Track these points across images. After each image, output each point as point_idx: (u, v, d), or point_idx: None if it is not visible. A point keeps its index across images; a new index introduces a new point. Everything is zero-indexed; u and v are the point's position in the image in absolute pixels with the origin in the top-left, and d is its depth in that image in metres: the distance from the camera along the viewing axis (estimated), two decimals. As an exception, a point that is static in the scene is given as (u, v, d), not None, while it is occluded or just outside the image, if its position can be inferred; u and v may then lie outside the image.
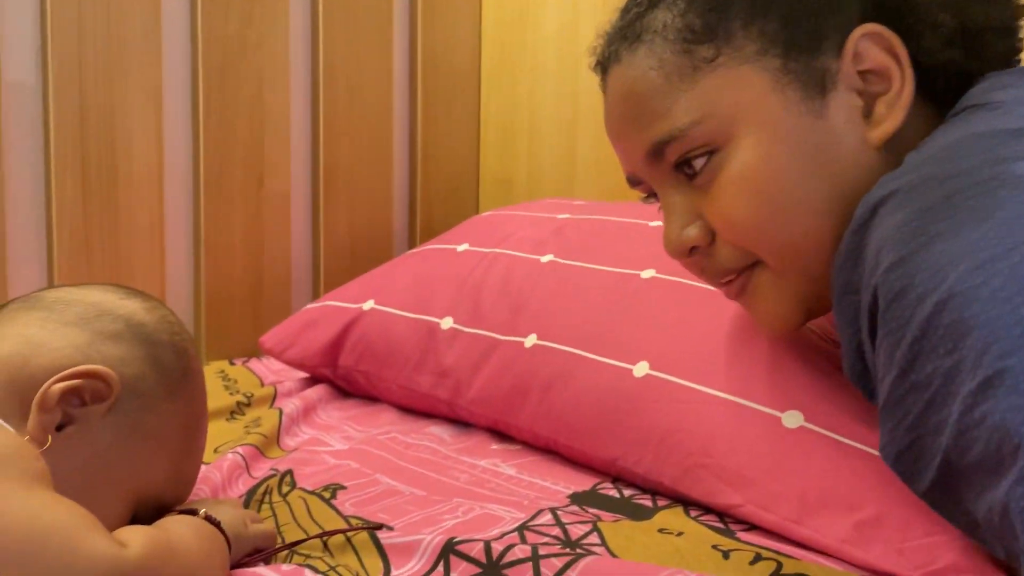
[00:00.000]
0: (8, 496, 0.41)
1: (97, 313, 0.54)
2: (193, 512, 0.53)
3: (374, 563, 0.55)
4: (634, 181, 0.62)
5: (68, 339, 0.52)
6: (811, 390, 0.61)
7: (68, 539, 0.41)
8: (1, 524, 0.40)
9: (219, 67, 1.12)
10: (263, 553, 0.56)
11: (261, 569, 0.53)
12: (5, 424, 0.47)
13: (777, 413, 0.61)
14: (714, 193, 0.55)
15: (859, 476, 0.56)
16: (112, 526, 0.52)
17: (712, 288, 0.60)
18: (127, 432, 0.52)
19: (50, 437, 0.49)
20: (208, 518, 0.52)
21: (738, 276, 0.57)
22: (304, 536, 0.59)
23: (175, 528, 0.50)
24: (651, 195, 0.62)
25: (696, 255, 0.58)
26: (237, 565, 0.54)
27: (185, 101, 1.12)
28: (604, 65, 0.62)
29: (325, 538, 0.58)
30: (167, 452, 0.56)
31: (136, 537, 0.44)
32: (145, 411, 0.53)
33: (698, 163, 0.55)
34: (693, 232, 0.57)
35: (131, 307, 0.56)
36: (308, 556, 0.56)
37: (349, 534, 0.58)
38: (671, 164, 0.56)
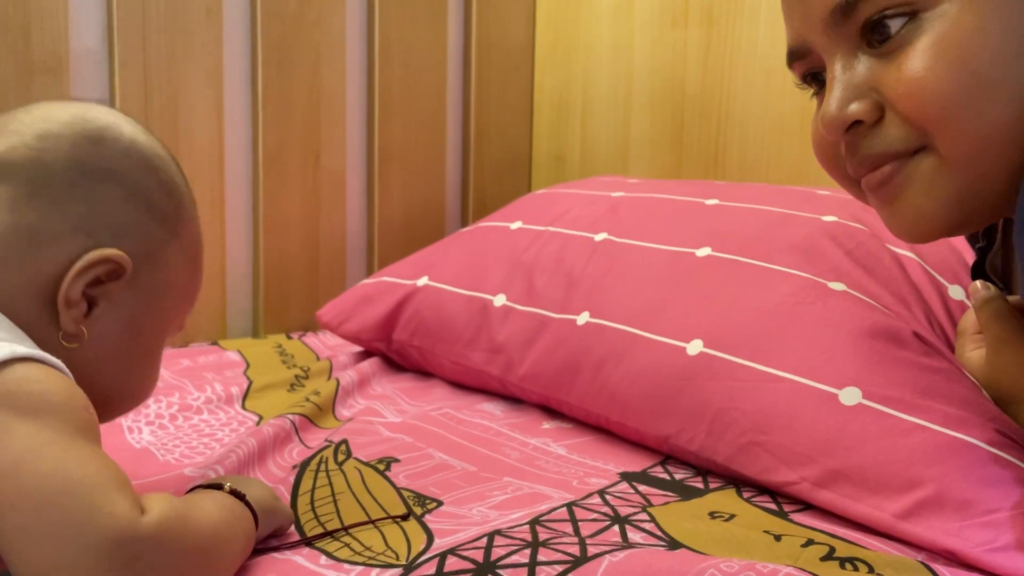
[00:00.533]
0: (48, 444, 0.42)
1: (81, 172, 0.51)
2: (219, 487, 0.52)
3: (417, 536, 0.56)
4: (797, 54, 0.56)
5: (67, 220, 0.50)
6: (869, 367, 0.60)
7: (92, 497, 0.41)
8: (32, 470, 0.41)
9: (277, 45, 1.14)
10: (309, 537, 0.56)
11: (278, 555, 0.54)
12: (58, 363, 0.46)
13: (834, 390, 0.61)
14: (905, 59, 0.49)
15: (918, 454, 0.55)
16: (157, 377, 0.58)
17: (767, 264, 0.59)
18: (147, 292, 0.54)
19: (84, 329, 0.50)
20: (233, 491, 0.52)
21: (893, 161, 0.52)
22: (358, 508, 0.60)
23: (199, 502, 0.49)
24: (809, 77, 0.56)
25: (852, 133, 0.52)
26: (265, 546, 0.55)
27: (245, 79, 1.14)
28: None
29: (357, 527, 0.58)
30: (182, 288, 0.58)
31: (157, 505, 0.43)
32: (157, 266, 0.54)
33: (894, 24, 0.49)
34: (859, 107, 0.51)
35: (103, 151, 0.52)
36: (335, 539, 0.56)
37: (391, 517, 0.58)
38: (858, 26, 0.51)
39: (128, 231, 0.52)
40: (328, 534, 0.57)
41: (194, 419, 0.82)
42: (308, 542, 0.56)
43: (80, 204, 0.51)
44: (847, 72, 0.51)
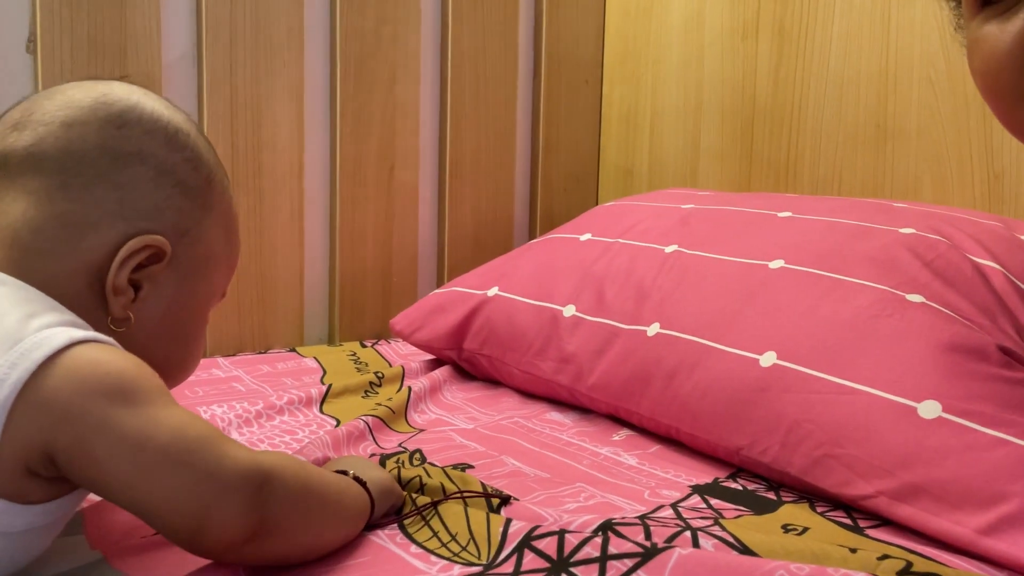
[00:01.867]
0: (154, 419, 0.45)
1: (109, 157, 0.51)
2: (343, 473, 0.56)
3: (496, 524, 0.57)
4: None
5: (101, 206, 0.51)
6: (948, 380, 0.60)
7: (213, 448, 0.45)
8: (154, 446, 0.44)
9: (356, 62, 1.18)
10: (405, 515, 0.58)
11: (374, 537, 0.55)
12: (112, 341, 0.48)
13: (913, 403, 0.60)
14: None
15: (1002, 468, 0.54)
16: (203, 348, 0.59)
17: (842, 277, 0.58)
18: (187, 268, 0.55)
19: (131, 315, 0.52)
20: (356, 479, 0.55)
21: None
22: (428, 503, 0.61)
23: (321, 470, 0.54)
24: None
25: None
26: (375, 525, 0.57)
27: (324, 94, 1.18)
28: None
29: (465, 497, 0.60)
30: (221, 259, 0.58)
31: (271, 453, 0.49)
32: (194, 242, 0.55)
33: None
34: None
35: (128, 133, 0.53)
36: (429, 528, 0.58)
37: (482, 498, 0.60)
38: None
39: (162, 211, 0.53)
40: (432, 504, 0.59)
41: (276, 419, 0.85)
42: (400, 521, 0.58)
43: (112, 190, 0.51)
44: None
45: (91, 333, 0.47)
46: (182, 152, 0.54)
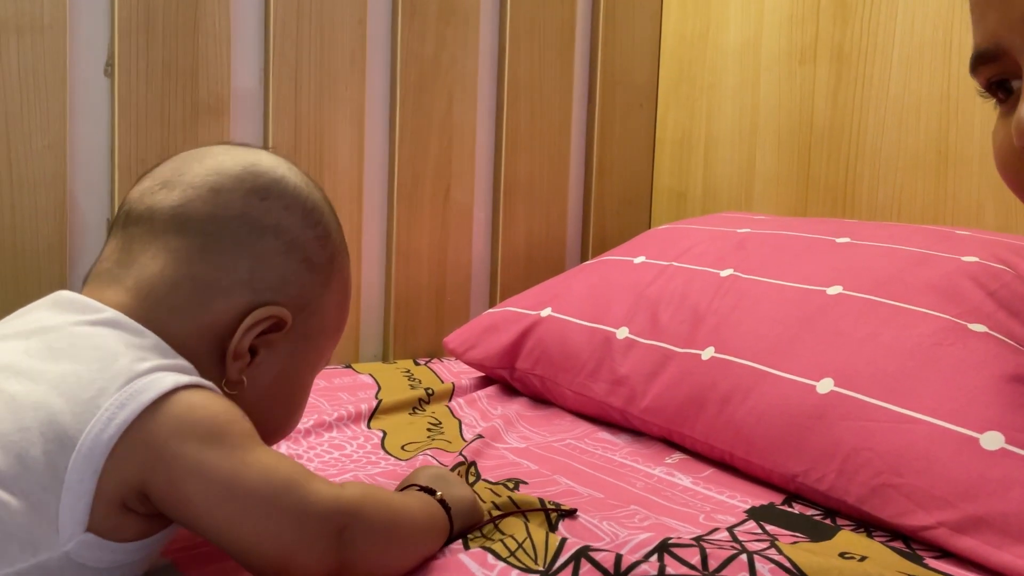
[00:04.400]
0: (243, 462, 0.47)
1: (249, 228, 0.54)
2: (431, 491, 0.58)
3: (553, 538, 0.57)
4: (987, 57, 0.51)
5: (234, 273, 0.53)
6: (1012, 411, 0.59)
7: (299, 489, 0.48)
8: (243, 487, 0.47)
9: (415, 86, 1.20)
10: (470, 528, 0.60)
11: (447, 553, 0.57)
12: (212, 386, 0.51)
13: (975, 434, 0.59)
14: None
15: (1069, 504, 0.53)
16: (303, 410, 0.61)
17: (903, 304, 0.58)
18: (302, 338, 0.56)
19: (245, 379, 0.54)
20: (441, 501, 0.57)
21: None
22: (503, 513, 0.62)
23: (401, 495, 0.56)
24: (994, 85, 0.52)
25: None
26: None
27: (384, 118, 1.21)
28: None
29: (525, 514, 0.61)
30: (333, 329, 0.60)
31: (354, 487, 0.51)
32: (312, 314, 0.57)
33: None
34: None
35: (269, 206, 0.55)
36: (489, 539, 0.59)
37: (548, 513, 0.61)
38: None
39: (287, 283, 0.55)
40: (493, 520, 0.60)
41: (324, 436, 0.87)
42: (463, 534, 0.59)
43: (246, 259, 0.54)
44: None
45: (196, 379, 0.50)
46: (314, 229, 0.57)
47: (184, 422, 0.47)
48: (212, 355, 0.53)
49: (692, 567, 0.51)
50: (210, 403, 0.49)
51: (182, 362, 0.51)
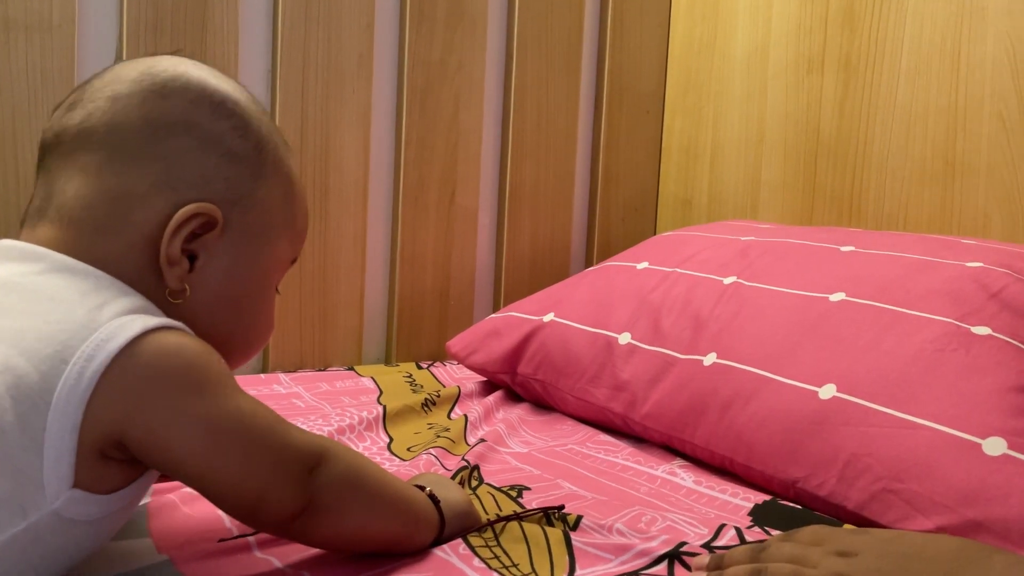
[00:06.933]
0: (224, 410, 0.48)
1: (152, 129, 0.51)
2: (421, 488, 0.57)
3: (560, 559, 0.57)
4: None
5: (147, 178, 0.50)
6: (1015, 417, 0.58)
7: (277, 429, 0.49)
8: (225, 434, 0.47)
9: (422, 90, 1.21)
10: (467, 532, 0.59)
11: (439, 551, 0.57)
12: (182, 327, 0.49)
13: (977, 439, 0.59)
14: None
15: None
16: (271, 321, 0.58)
17: (905, 310, 0.58)
18: (243, 236, 0.54)
19: (187, 287, 0.51)
20: (431, 496, 0.57)
21: None
22: (502, 516, 0.62)
23: (384, 471, 0.55)
24: None
25: None
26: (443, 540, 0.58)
27: (390, 122, 1.21)
28: None
29: (521, 519, 0.61)
30: (280, 226, 0.56)
31: (331, 441, 0.53)
32: (248, 209, 0.54)
33: None
34: None
35: (172, 104, 0.52)
36: (483, 551, 0.58)
37: (546, 527, 0.60)
38: None
39: (209, 180, 0.52)
40: (489, 524, 0.60)
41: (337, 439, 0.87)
42: (464, 537, 0.59)
43: (157, 161, 0.51)
44: None
45: (163, 320, 0.48)
46: (229, 120, 0.53)
47: (159, 369, 0.46)
48: (150, 268, 0.51)
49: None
50: (183, 347, 0.47)
51: (140, 300, 0.49)
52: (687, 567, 0.54)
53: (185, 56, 0.56)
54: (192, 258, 0.52)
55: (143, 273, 0.50)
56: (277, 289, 0.59)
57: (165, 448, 0.46)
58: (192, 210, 0.51)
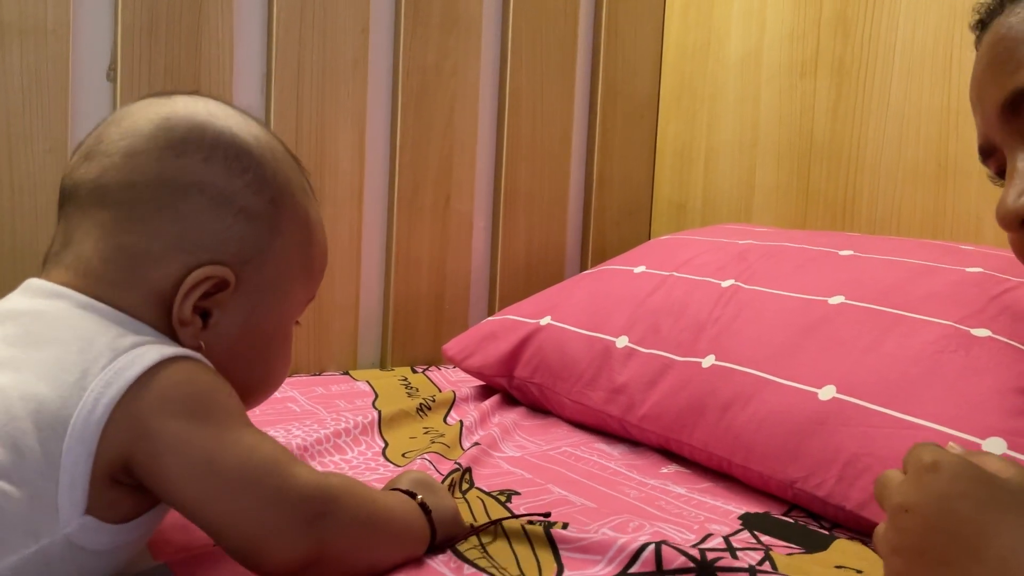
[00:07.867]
0: (226, 441, 0.47)
1: (167, 189, 0.51)
2: (412, 495, 0.57)
3: (548, 565, 0.56)
4: (986, 152, 0.56)
5: (161, 239, 0.51)
6: (1015, 417, 0.58)
7: (280, 472, 0.47)
8: (224, 465, 0.47)
9: (417, 95, 1.21)
10: (453, 540, 0.59)
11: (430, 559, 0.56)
12: (200, 357, 0.50)
13: (977, 440, 0.59)
14: None
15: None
16: (288, 362, 0.59)
17: (905, 313, 0.58)
18: (258, 290, 0.54)
19: (202, 343, 0.52)
20: (422, 504, 0.56)
21: None
22: (485, 522, 0.62)
23: (384, 493, 0.55)
24: (999, 174, 0.56)
25: None
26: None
27: (385, 125, 1.21)
28: (984, 21, 0.57)
29: (504, 521, 0.60)
30: (297, 275, 0.57)
31: (337, 476, 0.51)
32: (262, 265, 0.54)
33: None
34: None
35: (186, 163, 0.52)
36: (470, 555, 0.58)
37: (528, 527, 0.60)
38: None
39: (223, 240, 0.52)
40: (474, 531, 0.59)
41: (332, 443, 0.86)
42: (451, 545, 0.58)
43: (172, 223, 0.51)
44: None
45: (180, 349, 0.49)
46: (243, 177, 0.53)
47: (167, 396, 0.47)
48: (165, 324, 0.51)
49: (688, 555, 0.50)
50: (195, 376, 0.48)
51: (157, 335, 0.50)
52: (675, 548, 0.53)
53: (200, 93, 0.56)
54: (207, 315, 0.53)
55: (159, 329, 0.51)
56: (298, 321, 0.59)
57: (164, 475, 0.46)
58: (203, 274, 0.51)
